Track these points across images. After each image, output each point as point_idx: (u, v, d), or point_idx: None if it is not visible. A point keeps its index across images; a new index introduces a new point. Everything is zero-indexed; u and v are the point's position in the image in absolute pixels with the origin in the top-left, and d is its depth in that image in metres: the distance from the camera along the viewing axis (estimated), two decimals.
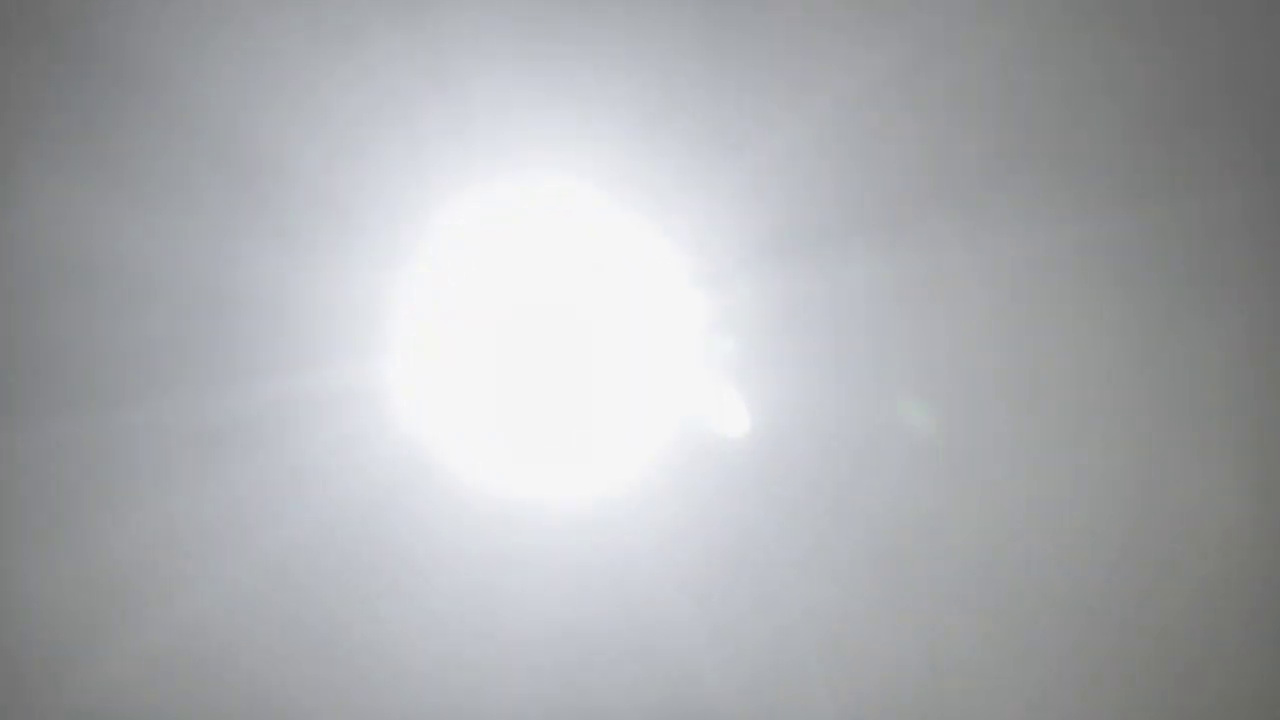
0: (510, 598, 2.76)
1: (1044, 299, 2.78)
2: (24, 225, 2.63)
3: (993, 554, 2.78)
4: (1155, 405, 2.79)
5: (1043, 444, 2.79)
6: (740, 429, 2.77)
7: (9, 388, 2.64)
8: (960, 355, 2.79)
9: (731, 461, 2.77)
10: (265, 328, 2.69)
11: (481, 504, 2.74)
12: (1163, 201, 2.75)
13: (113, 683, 2.68)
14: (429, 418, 2.76)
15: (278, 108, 2.64)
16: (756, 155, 2.72)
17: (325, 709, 2.75)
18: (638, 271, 2.76)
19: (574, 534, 2.76)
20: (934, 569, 2.78)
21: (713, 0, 2.69)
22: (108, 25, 2.59)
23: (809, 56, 2.71)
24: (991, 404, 2.80)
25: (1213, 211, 2.75)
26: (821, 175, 2.74)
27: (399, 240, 2.71)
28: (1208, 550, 2.78)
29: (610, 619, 2.77)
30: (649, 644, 2.78)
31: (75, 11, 2.57)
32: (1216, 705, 2.78)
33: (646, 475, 2.77)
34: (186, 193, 2.65)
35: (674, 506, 2.77)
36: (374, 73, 2.65)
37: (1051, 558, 2.78)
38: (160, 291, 2.67)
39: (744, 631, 2.78)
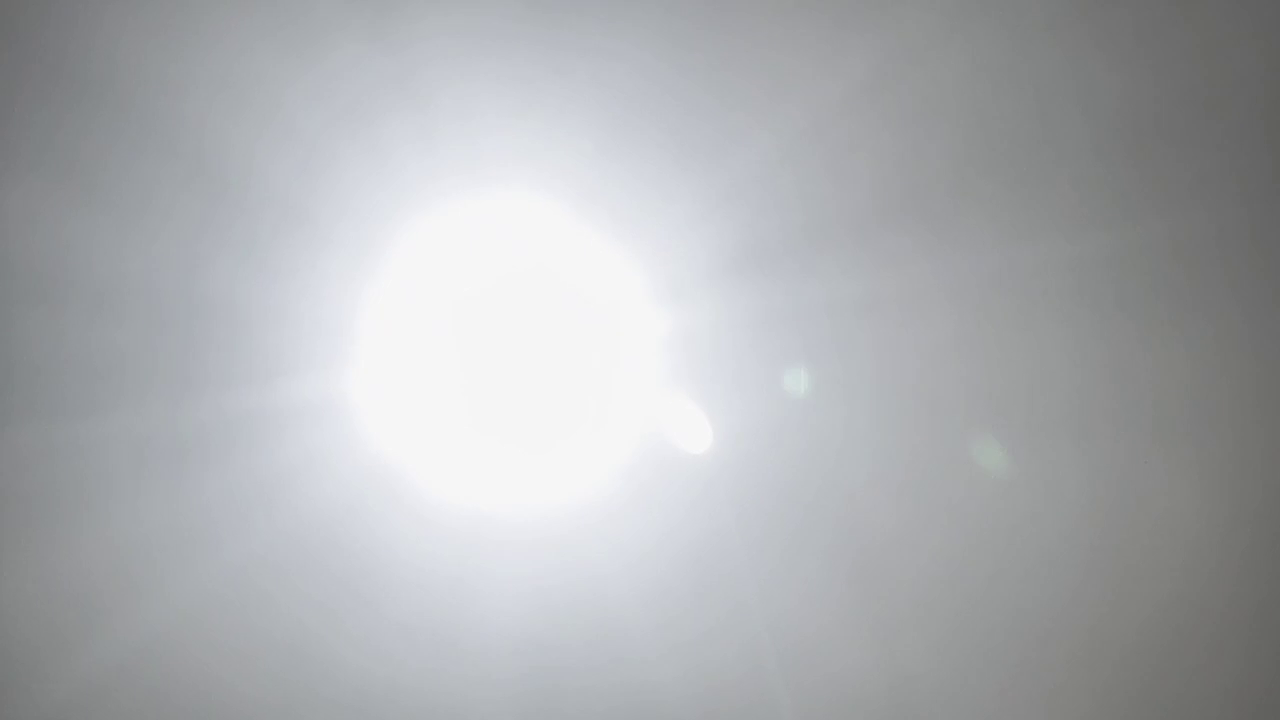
0: (475, 611, 2.76)
1: (1010, 314, 2.77)
2: None
3: (957, 569, 2.79)
4: (1120, 421, 2.78)
5: (1009, 456, 2.79)
6: (704, 444, 2.77)
7: None
8: (926, 370, 2.78)
9: (696, 476, 2.77)
10: (232, 339, 2.69)
11: (446, 517, 2.75)
12: (1130, 218, 2.74)
13: (77, 692, 2.70)
14: (395, 430, 2.76)
15: (245, 118, 2.63)
16: (722, 170, 2.71)
17: (290, 716, 2.76)
18: (603, 286, 2.76)
19: (539, 548, 2.77)
20: (899, 584, 2.79)
21: (679, 15, 2.67)
22: (75, 35, 2.58)
23: (775, 71, 2.70)
24: (957, 419, 2.79)
25: (1180, 229, 2.74)
26: (787, 190, 2.73)
27: (366, 253, 2.71)
28: (1172, 565, 2.78)
29: (575, 633, 2.78)
30: (613, 657, 2.79)
31: (42, 21, 2.57)
32: (1185, 712, 2.78)
33: (611, 489, 2.78)
34: (154, 203, 2.65)
35: (638, 521, 2.78)
36: (341, 85, 2.64)
37: (1016, 573, 2.78)
38: (127, 302, 2.67)
39: (708, 645, 2.78)
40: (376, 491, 2.74)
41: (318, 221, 2.67)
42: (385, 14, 2.58)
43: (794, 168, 2.72)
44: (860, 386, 2.75)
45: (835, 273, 2.73)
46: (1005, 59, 2.68)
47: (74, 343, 2.65)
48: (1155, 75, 2.73)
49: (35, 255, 2.64)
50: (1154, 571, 2.77)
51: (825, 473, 2.76)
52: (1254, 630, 2.77)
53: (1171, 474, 2.77)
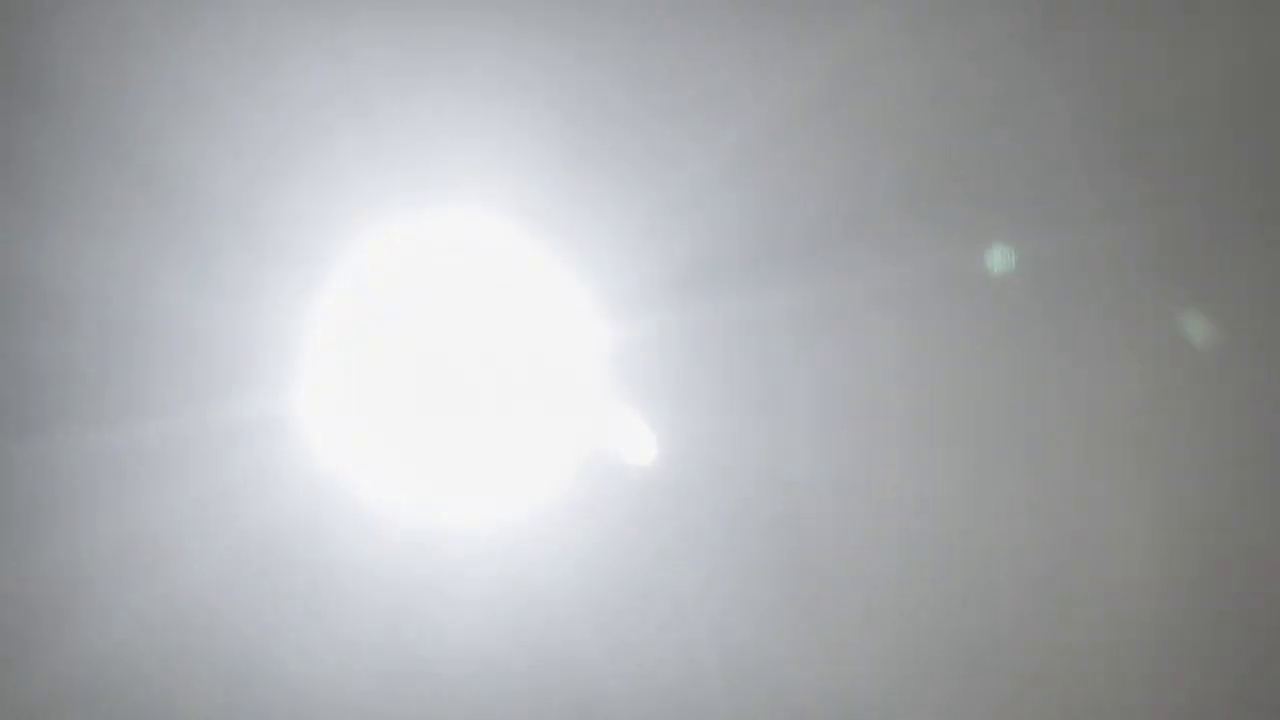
0: (422, 624, 2.76)
1: (958, 327, 2.78)
2: None
3: (904, 584, 2.79)
4: (1066, 435, 2.80)
5: (955, 472, 2.80)
6: (650, 458, 2.77)
7: None
8: (878, 381, 2.79)
9: (643, 489, 2.77)
10: (179, 354, 2.69)
11: (392, 533, 2.74)
12: (1076, 232, 2.75)
13: (27, 705, 2.68)
14: (343, 446, 2.75)
15: (194, 130, 2.63)
16: (670, 184, 2.72)
17: None
18: (550, 300, 2.76)
19: (486, 561, 2.76)
20: (845, 598, 2.79)
21: (628, 30, 2.68)
22: (23, 46, 2.58)
23: (725, 86, 2.71)
24: (905, 432, 2.80)
25: (1126, 241, 2.76)
26: (736, 204, 2.74)
27: (314, 267, 2.71)
28: (1118, 580, 2.79)
29: (520, 647, 2.77)
30: (560, 669, 2.78)
31: None
32: None
33: (558, 502, 2.78)
34: (101, 216, 2.64)
35: (585, 533, 2.78)
36: (290, 98, 2.64)
37: (962, 588, 2.79)
38: (74, 316, 2.66)
39: (653, 660, 2.78)
40: (325, 507, 2.73)
41: (266, 235, 2.67)
42: (335, 27, 2.58)
43: (743, 181, 2.73)
44: (808, 400, 2.76)
45: (784, 286, 2.74)
46: (957, 72, 2.70)
47: (19, 357, 2.64)
48: (1103, 92, 2.75)
49: None
50: (1100, 587, 2.78)
51: (772, 486, 2.76)
52: (1198, 646, 2.78)
53: (1117, 488, 2.79)
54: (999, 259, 2.70)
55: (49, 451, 2.67)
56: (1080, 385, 2.78)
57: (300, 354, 2.72)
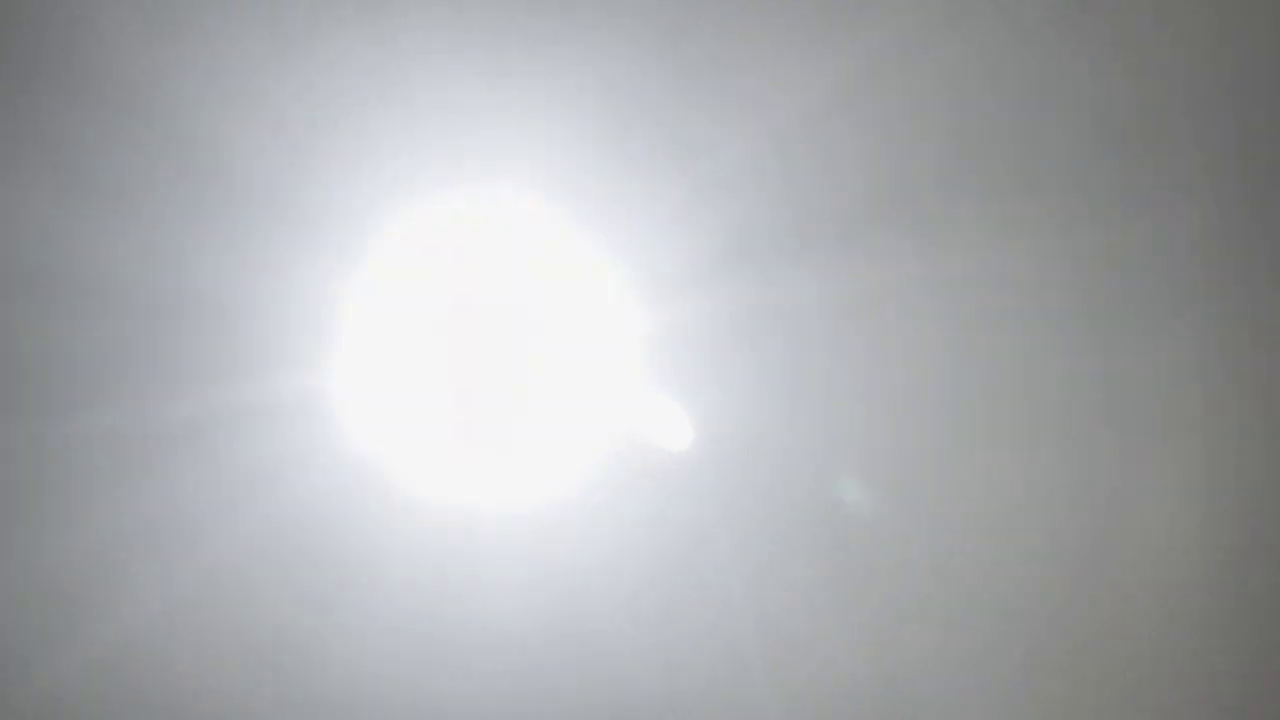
0: (456, 607, 2.75)
1: (998, 313, 2.77)
2: None
3: (946, 568, 2.78)
4: (1108, 419, 2.78)
5: (997, 456, 2.78)
6: (688, 440, 2.76)
7: None
8: (913, 369, 2.77)
9: (680, 474, 2.76)
10: (214, 334, 2.68)
11: (428, 513, 2.73)
12: (1117, 218, 2.73)
13: (58, 688, 2.68)
14: (376, 426, 2.75)
15: (231, 110, 2.62)
16: (708, 166, 2.70)
17: (271, 715, 2.74)
18: (587, 282, 2.75)
19: (520, 544, 2.75)
20: (887, 583, 2.78)
21: (667, 10, 2.67)
22: (60, 27, 2.57)
23: (763, 67, 2.70)
24: (945, 417, 2.79)
25: (1165, 229, 2.74)
26: (774, 187, 2.72)
27: (349, 247, 2.70)
28: (1159, 563, 2.77)
29: (557, 629, 2.76)
30: (595, 653, 2.77)
31: (26, 13, 2.55)
32: (1172, 711, 2.77)
33: (594, 485, 2.77)
34: (137, 196, 2.63)
35: (622, 517, 2.77)
36: (328, 78, 2.63)
37: (1004, 572, 2.77)
38: (110, 296, 2.65)
39: (691, 643, 2.77)
40: (358, 487, 2.72)
41: (302, 215, 2.66)
42: (373, 6, 2.57)
43: (781, 165, 2.71)
44: (847, 384, 2.74)
45: (822, 270, 2.72)
46: (994, 59, 2.68)
47: (56, 337, 2.63)
48: (1142, 77, 2.73)
49: (16, 249, 2.63)
50: (1141, 569, 2.76)
51: (812, 471, 2.75)
52: (1239, 627, 2.77)
53: (1158, 473, 2.77)
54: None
55: (83, 430, 2.66)
56: (1118, 371, 2.76)
57: (335, 334, 2.71)
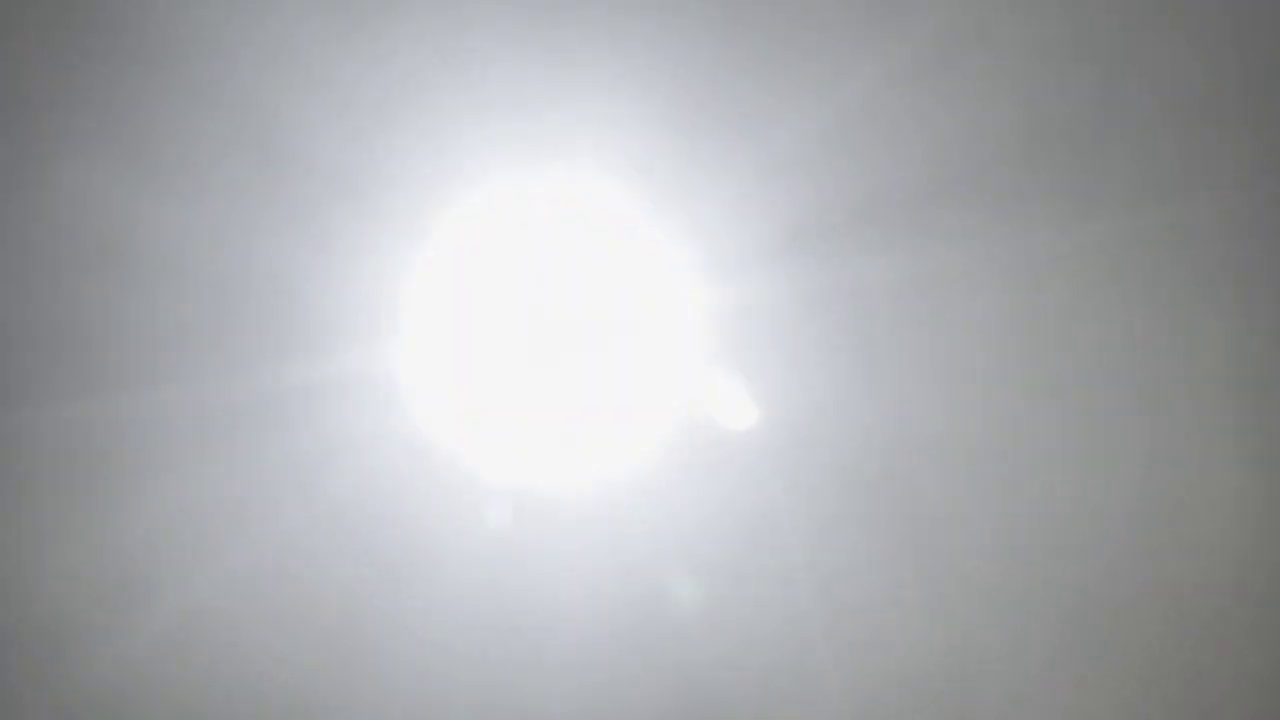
0: (522, 586, 2.75)
1: (1065, 293, 2.75)
2: (43, 206, 2.63)
3: (1013, 544, 2.76)
4: (1177, 395, 2.76)
5: (1062, 436, 2.76)
6: (753, 420, 2.75)
7: (27, 369, 2.65)
8: (980, 347, 2.76)
9: (747, 453, 2.75)
10: (280, 312, 2.69)
11: (491, 494, 2.74)
12: (1188, 195, 2.71)
13: (127, 662, 2.70)
14: (441, 405, 2.75)
15: (301, 89, 2.62)
16: (776, 143, 2.69)
17: (336, 692, 2.75)
18: (653, 261, 2.74)
19: (585, 524, 2.75)
20: (955, 559, 2.76)
21: None
22: (130, 4, 2.58)
23: (831, 45, 2.68)
24: (1010, 396, 2.77)
25: (1238, 205, 2.71)
26: (843, 164, 2.71)
27: (416, 227, 2.70)
28: (1230, 535, 2.75)
29: (622, 609, 2.76)
30: (661, 634, 2.77)
31: None
32: (1240, 692, 2.75)
33: (659, 465, 2.76)
34: (207, 175, 2.65)
35: (687, 497, 2.76)
36: (398, 56, 2.63)
37: (1071, 548, 2.76)
38: (178, 274, 2.67)
39: (757, 623, 2.77)
40: (422, 466, 2.73)
41: (368, 193, 2.66)
42: None
43: (847, 144, 2.70)
44: (913, 363, 2.73)
45: (888, 249, 2.71)
46: (1064, 35, 2.66)
47: (124, 315, 2.65)
48: (1209, 54, 2.70)
49: (86, 227, 2.64)
50: (1210, 547, 2.74)
51: (881, 450, 2.73)
52: None
53: (1228, 449, 2.75)
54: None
55: (150, 408, 2.68)
56: (1187, 347, 2.74)
57: (400, 313, 2.71)
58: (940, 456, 2.76)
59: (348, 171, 2.64)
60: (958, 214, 2.72)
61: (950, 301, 2.74)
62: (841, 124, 2.70)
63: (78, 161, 2.60)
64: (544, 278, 2.76)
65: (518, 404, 2.77)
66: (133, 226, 2.62)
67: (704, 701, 2.78)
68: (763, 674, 2.76)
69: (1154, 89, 2.70)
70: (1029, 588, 2.75)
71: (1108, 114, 2.70)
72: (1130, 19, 2.67)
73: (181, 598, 2.67)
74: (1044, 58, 2.67)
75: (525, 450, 2.77)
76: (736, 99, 2.70)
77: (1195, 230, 2.72)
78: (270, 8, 2.55)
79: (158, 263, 2.63)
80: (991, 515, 2.75)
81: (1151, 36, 2.68)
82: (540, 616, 2.75)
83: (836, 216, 2.73)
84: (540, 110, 2.68)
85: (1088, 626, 2.76)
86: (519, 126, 2.68)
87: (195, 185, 2.62)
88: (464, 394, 2.76)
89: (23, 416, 2.64)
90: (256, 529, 2.68)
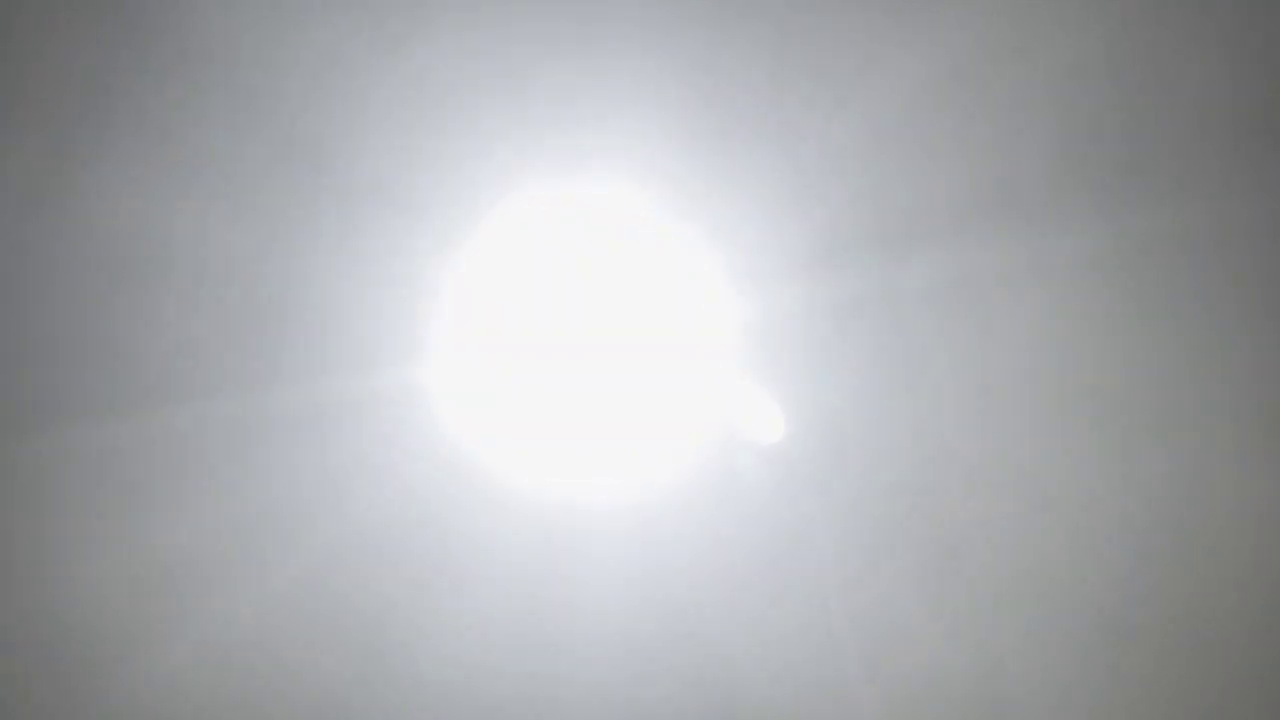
0: (555, 600, 2.76)
1: (1098, 306, 2.74)
2: (80, 219, 2.63)
3: (1047, 562, 2.76)
4: (1216, 408, 2.75)
5: (1099, 446, 2.76)
6: (783, 434, 2.75)
7: (65, 384, 2.65)
8: (1015, 359, 2.75)
9: (779, 467, 2.75)
10: (315, 326, 2.69)
11: (525, 508, 2.74)
12: (1224, 204, 2.70)
13: (162, 677, 2.70)
14: (476, 419, 2.75)
15: (342, 100, 2.61)
16: (806, 156, 2.69)
17: (370, 705, 2.76)
18: (684, 272, 2.74)
19: (617, 538, 2.76)
20: (988, 576, 2.76)
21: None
22: (173, 16, 2.58)
23: (863, 56, 2.68)
24: (1042, 410, 2.77)
25: (1273, 217, 2.71)
26: (872, 177, 2.71)
27: (451, 239, 2.70)
28: (1260, 555, 2.75)
29: (653, 624, 2.76)
30: (692, 650, 2.77)
31: (141, 2, 2.56)
32: (1271, 713, 2.75)
33: (691, 477, 2.76)
34: (243, 189, 2.64)
35: (717, 512, 2.76)
36: (434, 72, 2.62)
37: (1106, 566, 2.75)
38: (217, 287, 2.66)
39: (789, 634, 2.77)
40: (458, 480, 2.73)
41: (407, 206, 2.66)
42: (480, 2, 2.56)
43: (881, 153, 2.70)
44: (947, 375, 2.73)
45: (925, 260, 2.70)
46: (1098, 45, 2.65)
47: (165, 326, 2.65)
48: (1255, 62, 2.69)
49: (125, 239, 2.64)
50: (1242, 565, 2.74)
51: (911, 463, 2.73)
52: None
53: (1259, 466, 2.74)
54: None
55: (189, 421, 2.68)
56: (1224, 362, 2.73)
57: (436, 326, 2.72)
58: (971, 469, 2.76)
59: (386, 186, 2.64)
60: (989, 225, 2.72)
61: (982, 313, 2.74)
62: (872, 135, 2.70)
63: (114, 175, 2.60)
64: (577, 290, 2.76)
65: (550, 417, 2.77)
66: (170, 241, 2.62)
67: (734, 715, 2.78)
68: (794, 688, 2.76)
69: (1187, 100, 2.70)
70: (1059, 603, 2.75)
71: (1141, 125, 2.70)
72: (1164, 32, 2.66)
73: (217, 612, 2.68)
74: (1079, 67, 2.66)
75: (557, 464, 2.78)
76: (768, 110, 2.69)
77: (1231, 241, 2.71)
78: (308, 23, 2.54)
79: (195, 277, 2.63)
80: (1022, 530, 2.75)
81: (1188, 42, 2.67)
82: (572, 630, 2.75)
83: (867, 227, 2.72)
84: (574, 123, 2.68)
85: (1117, 643, 2.76)
86: (554, 140, 2.68)
87: (233, 200, 2.62)
88: (499, 408, 2.76)
89: (61, 431, 2.65)
90: (292, 544, 2.69)
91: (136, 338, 2.65)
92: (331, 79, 2.57)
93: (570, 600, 2.75)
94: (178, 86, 2.57)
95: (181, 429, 2.68)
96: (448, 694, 2.75)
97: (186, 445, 2.67)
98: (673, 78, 2.66)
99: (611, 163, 2.68)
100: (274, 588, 2.69)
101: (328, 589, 2.71)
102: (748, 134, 2.69)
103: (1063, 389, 2.75)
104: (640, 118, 2.68)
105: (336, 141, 2.60)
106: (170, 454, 2.66)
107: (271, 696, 2.70)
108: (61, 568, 2.67)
